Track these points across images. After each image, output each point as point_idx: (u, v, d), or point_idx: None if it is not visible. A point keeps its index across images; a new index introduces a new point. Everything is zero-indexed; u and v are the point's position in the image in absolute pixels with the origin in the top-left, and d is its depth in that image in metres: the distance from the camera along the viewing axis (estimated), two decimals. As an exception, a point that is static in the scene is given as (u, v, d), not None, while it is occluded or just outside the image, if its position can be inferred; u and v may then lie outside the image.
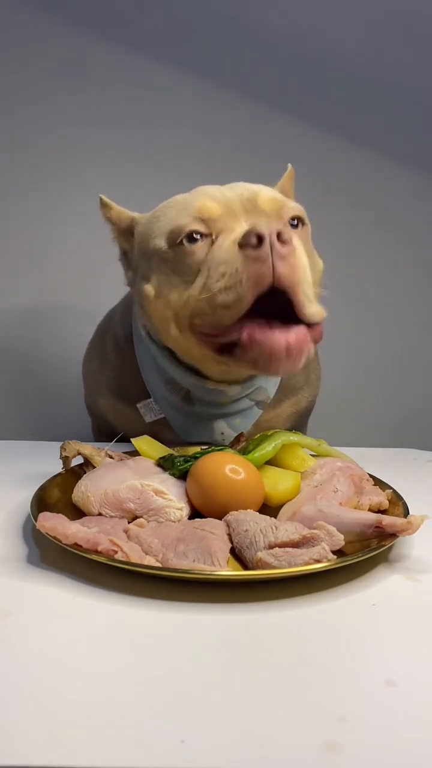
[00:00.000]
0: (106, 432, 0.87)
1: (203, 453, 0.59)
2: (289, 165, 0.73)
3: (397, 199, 1.27)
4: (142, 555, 0.46)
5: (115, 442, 0.67)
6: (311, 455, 0.62)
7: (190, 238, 0.58)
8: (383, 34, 1.19)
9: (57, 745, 0.30)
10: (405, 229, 1.28)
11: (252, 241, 0.52)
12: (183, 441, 0.71)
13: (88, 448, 0.63)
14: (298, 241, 0.57)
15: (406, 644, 0.39)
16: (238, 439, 0.68)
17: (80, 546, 0.46)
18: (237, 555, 0.49)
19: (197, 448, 0.62)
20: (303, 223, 0.63)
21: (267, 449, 0.60)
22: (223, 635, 0.40)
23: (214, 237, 0.58)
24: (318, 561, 0.44)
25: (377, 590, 0.46)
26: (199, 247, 0.58)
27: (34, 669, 0.36)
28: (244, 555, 0.48)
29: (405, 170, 1.25)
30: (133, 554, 0.45)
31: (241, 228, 0.57)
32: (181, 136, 1.19)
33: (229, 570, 0.46)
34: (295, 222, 0.62)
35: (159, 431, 0.72)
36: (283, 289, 0.53)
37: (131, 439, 0.65)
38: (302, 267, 0.55)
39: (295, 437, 0.62)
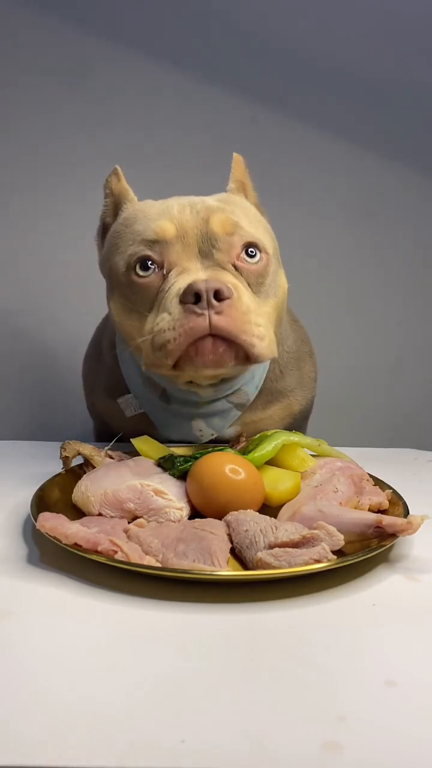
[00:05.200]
0: (106, 434, 0.87)
1: (203, 453, 0.59)
2: (234, 154, 0.69)
3: (396, 198, 1.27)
4: (142, 555, 0.46)
5: (115, 442, 0.67)
6: (311, 455, 0.62)
7: (144, 265, 0.60)
8: (383, 34, 1.19)
9: (57, 745, 0.30)
10: (405, 229, 1.28)
11: (189, 299, 0.56)
12: (164, 437, 0.72)
13: (88, 448, 0.63)
14: (242, 287, 0.59)
15: (406, 644, 0.39)
16: (238, 439, 0.68)
17: (80, 546, 0.46)
18: (237, 555, 0.49)
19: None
20: (260, 250, 0.61)
21: (267, 449, 0.60)
22: (223, 635, 0.40)
23: (165, 271, 0.60)
24: (318, 561, 0.44)
25: (377, 590, 0.46)
26: (151, 280, 0.60)
27: (34, 669, 0.36)
28: (244, 555, 0.48)
29: (406, 170, 1.26)
30: (133, 554, 0.45)
31: (190, 266, 0.59)
32: (181, 138, 1.19)
33: (229, 570, 0.46)
34: (253, 250, 0.61)
35: (151, 430, 0.72)
36: (224, 337, 0.56)
37: (131, 439, 0.65)
38: (242, 314, 0.57)
39: (295, 437, 0.62)
